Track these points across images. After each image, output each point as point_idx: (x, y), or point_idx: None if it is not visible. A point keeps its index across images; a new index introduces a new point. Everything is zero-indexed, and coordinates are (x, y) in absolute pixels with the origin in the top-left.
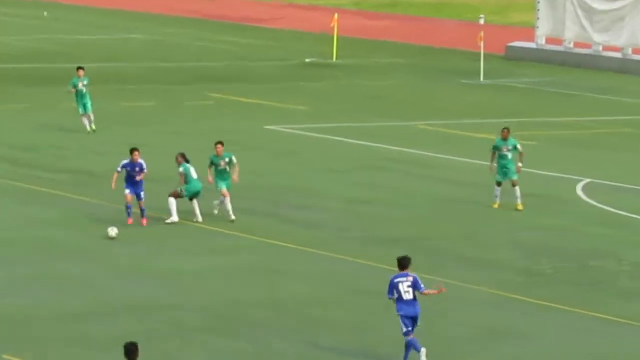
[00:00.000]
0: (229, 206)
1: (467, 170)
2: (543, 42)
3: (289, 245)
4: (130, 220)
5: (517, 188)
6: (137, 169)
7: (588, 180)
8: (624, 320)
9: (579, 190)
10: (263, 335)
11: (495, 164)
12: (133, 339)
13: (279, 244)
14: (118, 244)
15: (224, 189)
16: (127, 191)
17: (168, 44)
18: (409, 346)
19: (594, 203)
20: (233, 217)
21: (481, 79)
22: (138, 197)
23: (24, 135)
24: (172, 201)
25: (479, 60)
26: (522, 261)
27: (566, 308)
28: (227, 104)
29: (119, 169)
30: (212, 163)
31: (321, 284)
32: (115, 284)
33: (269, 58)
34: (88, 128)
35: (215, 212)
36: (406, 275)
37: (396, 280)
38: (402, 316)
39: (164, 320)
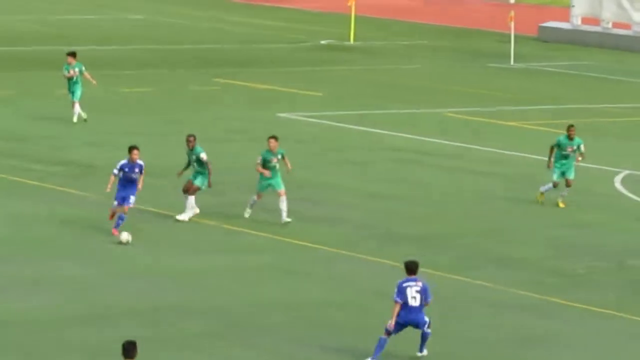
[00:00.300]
0: (284, 205)
1: (497, 162)
2: (579, 22)
3: (304, 243)
4: (116, 232)
5: (568, 189)
6: (136, 170)
7: (627, 172)
8: None
9: (617, 184)
10: (275, 341)
11: (553, 160)
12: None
13: (293, 242)
14: (116, 242)
15: (280, 189)
16: (115, 203)
17: (169, 24)
18: (380, 344)
19: (634, 197)
20: (287, 219)
21: (512, 62)
22: (126, 200)
23: (13, 124)
24: (192, 199)
25: (509, 42)
26: (555, 260)
27: (602, 311)
28: (235, 90)
29: (115, 171)
30: (263, 159)
31: (338, 286)
32: (116, 285)
33: (281, 40)
34: (75, 118)
35: (247, 215)
36: (415, 280)
37: (405, 284)
38: (398, 322)
39: (168, 325)
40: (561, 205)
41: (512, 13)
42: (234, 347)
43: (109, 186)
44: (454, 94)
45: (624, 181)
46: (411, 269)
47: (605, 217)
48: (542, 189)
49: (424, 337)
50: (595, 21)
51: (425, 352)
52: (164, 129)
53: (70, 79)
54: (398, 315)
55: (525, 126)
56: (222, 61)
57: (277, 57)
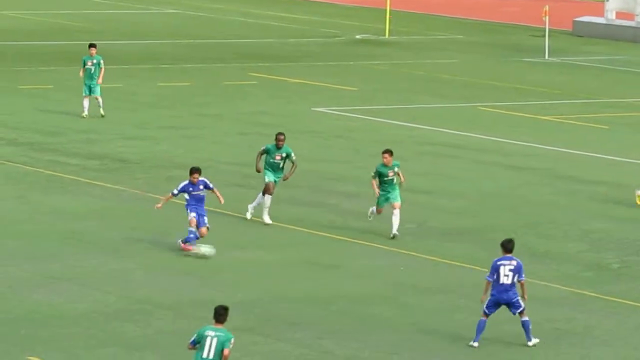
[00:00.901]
0: (396, 219)
1: (532, 156)
2: (613, 17)
3: (339, 237)
4: (191, 247)
5: None
6: (200, 186)
7: None
8: None
9: None
10: (309, 336)
11: None
12: (167, 338)
13: (328, 236)
14: (152, 236)
15: (396, 202)
16: (193, 214)
17: (204, 19)
18: (479, 327)
19: None
20: (395, 232)
21: (546, 56)
22: (202, 222)
23: (47, 119)
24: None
25: (544, 36)
26: (590, 254)
27: (637, 304)
28: (271, 84)
29: (175, 191)
30: (378, 174)
31: (374, 280)
32: (150, 280)
33: (316, 35)
34: (86, 112)
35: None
36: (510, 259)
37: (499, 262)
38: (491, 300)
39: (201, 319)
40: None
41: (547, 7)
42: (268, 340)
43: (161, 204)
44: (488, 88)
45: None
46: (507, 247)
47: (636, 211)
48: None
49: (525, 326)
50: (630, 16)
51: (534, 340)
52: (199, 124)
53: (87, 71)
54: (493, 293)
55: (559, 120)
56: (257, 56)
57: (312, 52)
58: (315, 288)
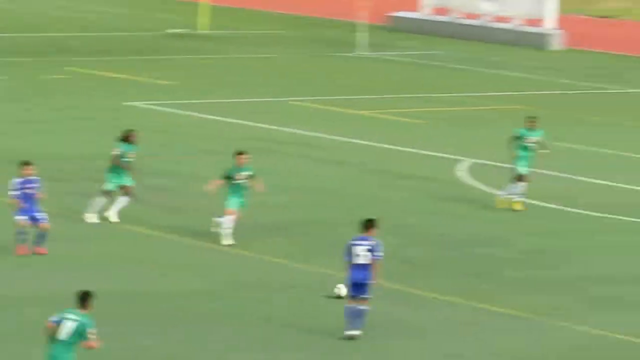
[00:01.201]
0: (231, 226)
1: (349, 151)
2: (428, 12)
3: (149, 232)
4: (24, 249)
5: (524, 184)
6: (34, 184)
7: (474, 161)
8: (510, 312)
9: (464, 172)
10: (124, 331)
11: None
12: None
13: (136, 230)
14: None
15: (234, 208)
16: (21, 217)
17: (22, 12)
18: (347, 314)
19: (480, 186)
20: (230, 241)
21: (362, 51)
22: (40, 219)
23: None
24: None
25: (358, 31)
26: (401, 249)
27: (448, 299)
28: (86, 79)
29: (15, 192)
30: (227, 176)
31: (185, 275)
32: None
33: (134, 28)
34: None
35: (219, 230)
36: (365, 239)
37: (351, 243)
38: (349, 281)
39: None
40: (517, 207)
41: (364, 2)
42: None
43: (15, 210)
44: (306, 83)
45: (471, 170)
46: (363, 227)
47: (450, 205)
48: (514, 195)
49: (358, 314)
50: (445, 11)
51: (357, 332)
52: (10, 118)
53: None
54: (348, 274)
55: (374, 115)
56: (73, 49)
57: (130, 46)
58: (121, 283)
